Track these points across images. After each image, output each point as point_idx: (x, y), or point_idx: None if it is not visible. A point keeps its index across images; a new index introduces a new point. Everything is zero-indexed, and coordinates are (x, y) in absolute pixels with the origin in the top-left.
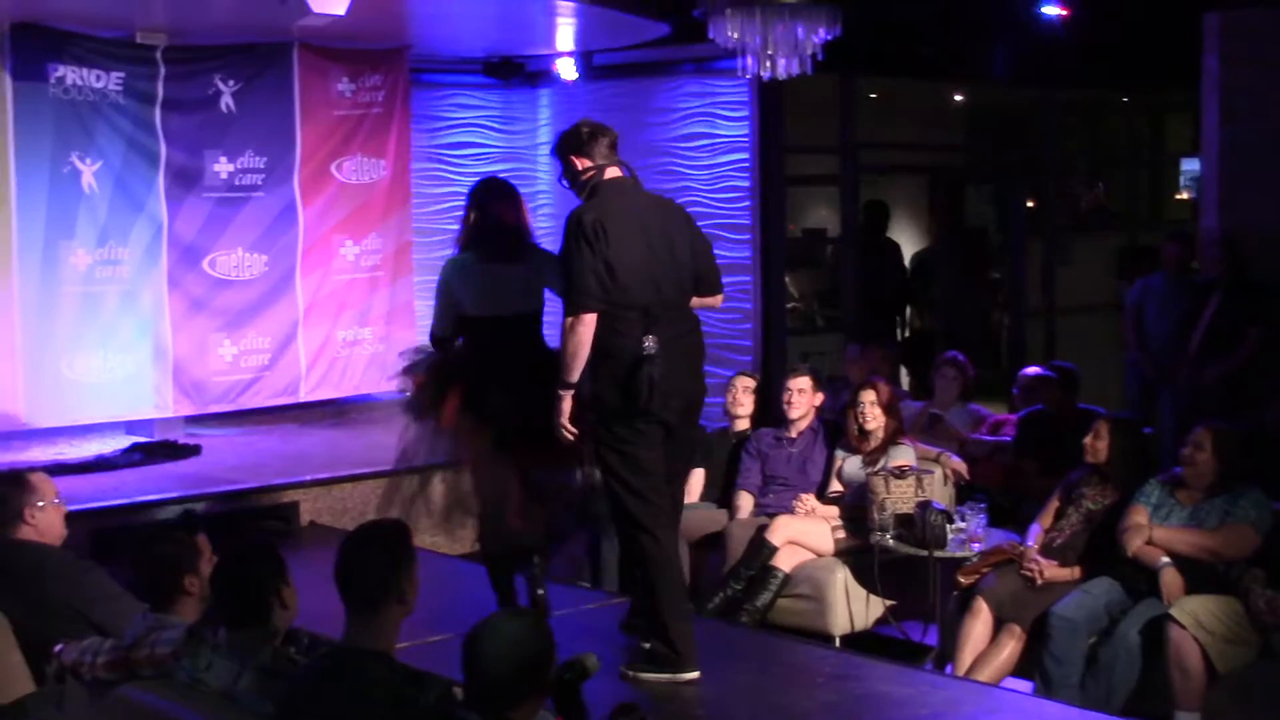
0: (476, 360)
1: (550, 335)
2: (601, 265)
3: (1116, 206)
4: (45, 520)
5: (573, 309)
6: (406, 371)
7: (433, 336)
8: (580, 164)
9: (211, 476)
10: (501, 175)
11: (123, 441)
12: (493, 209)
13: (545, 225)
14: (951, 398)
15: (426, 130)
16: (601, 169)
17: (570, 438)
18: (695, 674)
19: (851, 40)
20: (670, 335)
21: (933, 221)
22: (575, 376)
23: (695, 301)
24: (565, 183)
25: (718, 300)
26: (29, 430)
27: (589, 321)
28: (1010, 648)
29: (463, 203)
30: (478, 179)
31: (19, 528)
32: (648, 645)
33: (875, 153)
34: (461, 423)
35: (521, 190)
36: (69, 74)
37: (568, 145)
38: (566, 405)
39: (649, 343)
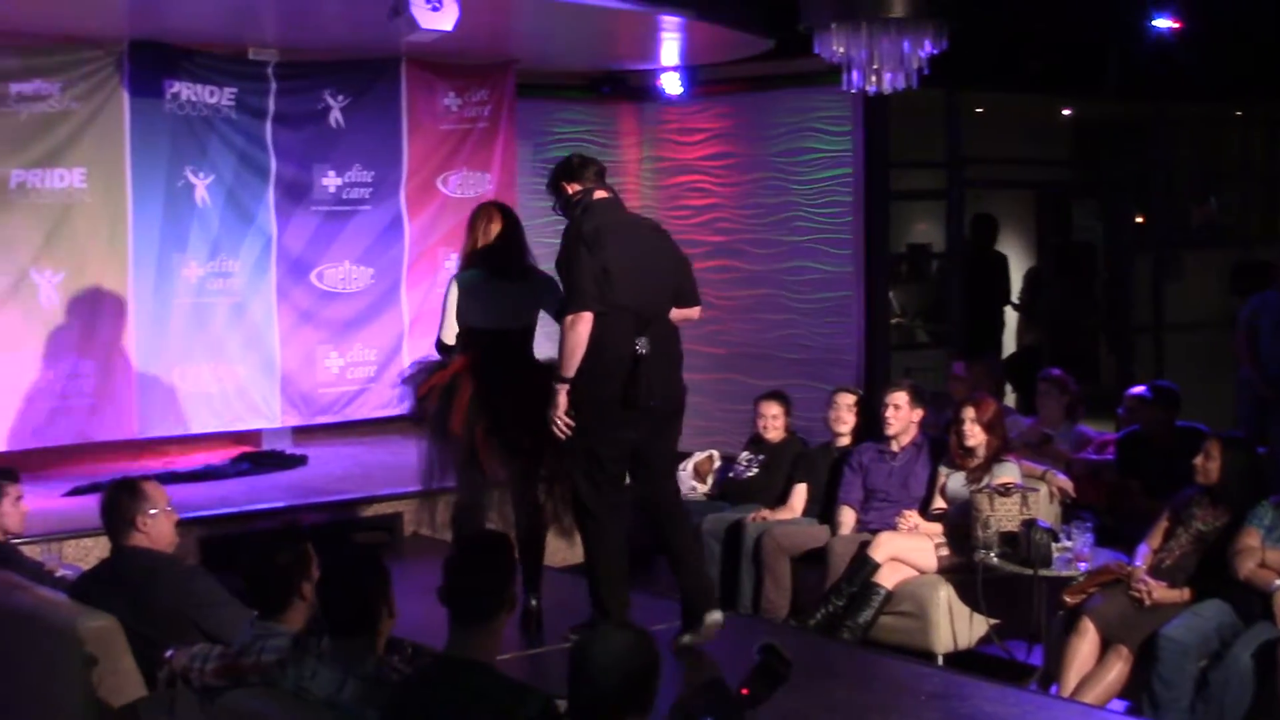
0: (479, 368)
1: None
2: (599, 269)
3: (1228, 221)
4: (157, 528)
5: (572, 308)
6: (408, 381)
7: (439, 345)
8: (570, 189)
9: (317, 487)
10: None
11: (231, 451)
12: (495, 231)
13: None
14: (1056, 416)
15: (531, 144)
16: (590, 191)
17: (565, 431)
18: None
19: (958, 54)
20: (657, 339)
21: (1040, 236)
22: (572, 372)
23: (676, 313)
24: (559, 210)
25: (696, 312)
26: (141, 439)
27: (587, 320)
28: (1117, 669)
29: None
30: (480, 203)
31: (132, 535)
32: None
33: (981, 167)
34: (468, 426)
35: (624, 202)
36: (184, 90)
37: (560, 173)
38: (563, 399)
39: (642, 343)
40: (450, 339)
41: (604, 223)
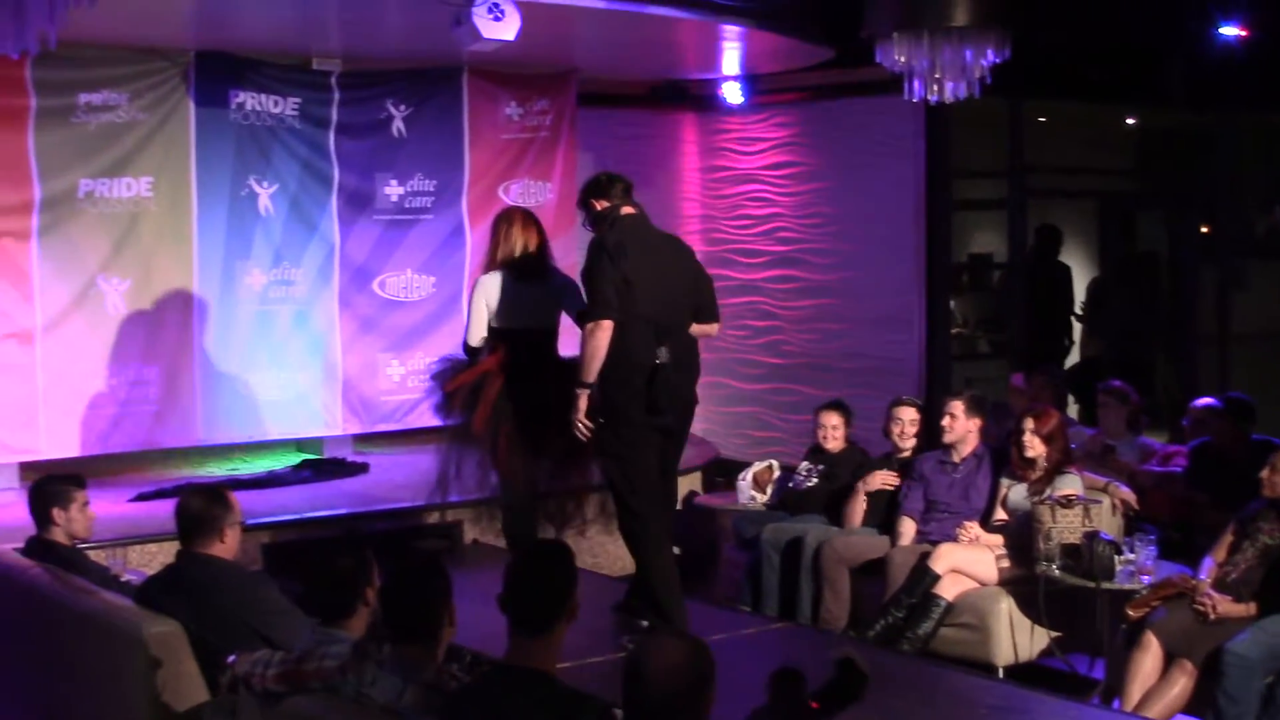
0: (506, 367)
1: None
2: (620, 279)
3: None
4: (233, 537)
5: (593, 316)
6: (436, 377)
7: (465, 345)
8: (599, 205)
9: (378, 494)
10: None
11: (294, 458)
12: (519, 236)
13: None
14: (1119, 428)
15: (592, 153)
16: (617, 206)
17: (585, 433)
18: None
19: (1021, 62)
20: (676, 350)
21: (1103, 246)
22: (593, 377)
23: (696, 328)
24: (588, 224)
25: (714, 329)
26: (205, 445)
27: (607, 328)
28: (1181, 684)
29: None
30: (502, 209)
31: (213, 544)
32: (646, 623)
33: (1044, 176)
34: (492, 421)
35: (678, 215)
36: (249, 100)
37: (589, 191)
38: (583, 403)
39: (663, 352)
40: (476, 341)
41: (628, 237)
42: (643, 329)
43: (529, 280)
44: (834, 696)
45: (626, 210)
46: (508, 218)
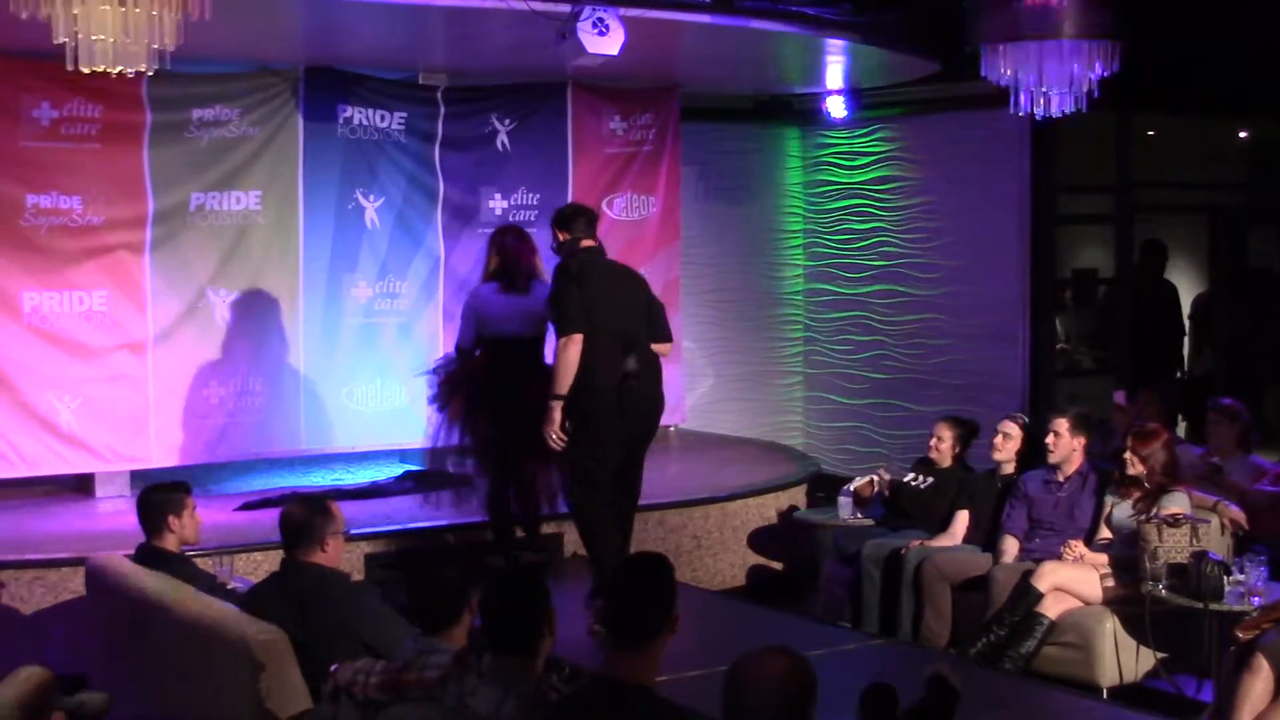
0: (491, 369)
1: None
2: (586, 299)
3: None
4: (336, 546)
5: (564, 331)
6: (434, 373)
7: (457, 348)
8: (561, 235)
9: (479, 506)
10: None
11: (396, 469)
12: (511, 250)
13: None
14: (1229, 447)
15: (695, 167)
16: (578, 240)
17: (559, 443)
18: None
19: (1129, 75)
20: (642, 359)
21: (1213, 262)
22: (564, 390)
23: (654, 347)
24: (554, 249)
25: (668, 348)
26: (309, 455)
27: (578, 342)
28: None
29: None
30: (497, 227)
31: (314, 552)
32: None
33: (1152, 191)
34: (469, 416)
35: (780, 229)
36: (356, 114)
37: (555, 221)
38: (556, 415)
39: (631, 361)
40: (467, 344)
41: (587, 263)
42: (610, 343)
43: (515, 292)
44: (926, 714)
45: (586, 243)
46: (499, 236)
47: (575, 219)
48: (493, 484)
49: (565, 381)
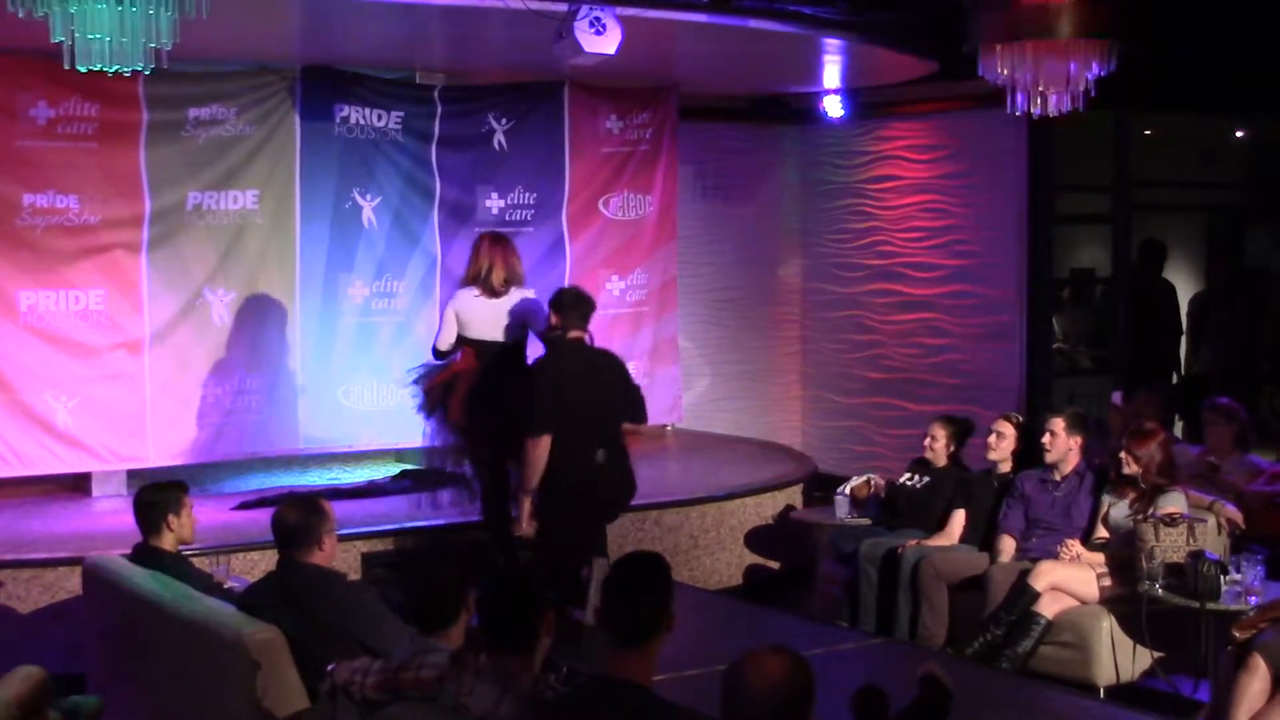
0: (475, 371)
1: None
2: (559, 402)
3: None
4: (331, 545)
5: (535, 432)
6: (419, 381)
7: (435, 350)
8: (555, 319)
9: (476, 505)
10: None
11: (393, 468)
12: (485, 257)
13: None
14: (1226, 446)
15: (692, 167)
16: (567, 329)
17: (529, 534)
18: None
19: (1126, 75)
20: (611, 452)
21: (1210, 262)
22: (534, 485)
23: (627, 426)
24: (542, 330)
25: (642, 427)
26: (306, 454)
27: (546, 441)
28: None
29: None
30: (494, 225)
31: (313, 552)
32: None
33: (1149, 190)
34: (459, 417)
35: (778, 228)
36: (353, 114)
37: (554, 303)
38: (528, 507)
39: (601, 454)
40: (444, 346)
41: (567, 361)
42: (585, 437)
43: (492, 296)
44: (918, 714)
45: (575, 334)
46: (480, 241)
47: (573, 310)
48: (485, 484)
49: (534, 478)
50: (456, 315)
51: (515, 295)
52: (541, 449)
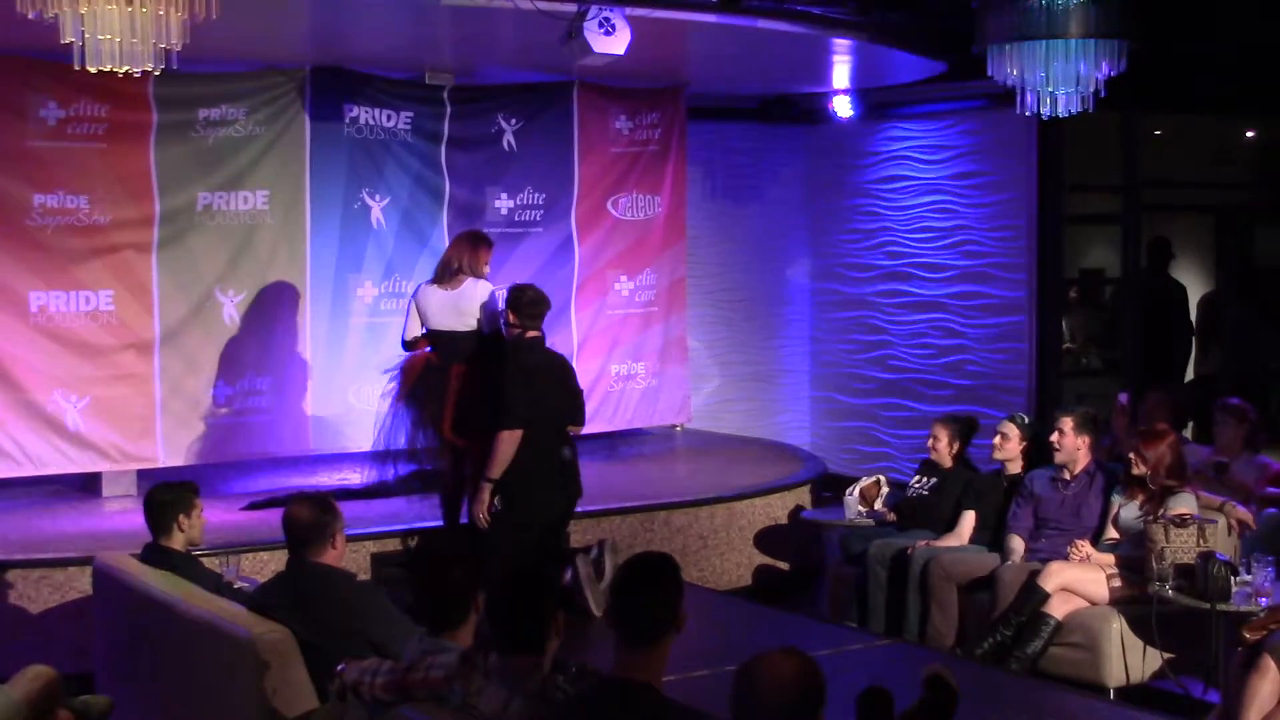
0: (432, 360)
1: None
2: (532, 391)
3: None
4: (341, 544)
5: (504, 425)
6: (395, 375)
7: (404, 342)
8: (512, 317)
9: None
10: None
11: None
12: (452, 247)
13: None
14: (1236, 446)
15: (701, 166)
16: (525, 329)
17: (485, 521)
18: None
19: (1136, 75)
20: (570, 446)
21: (1219, 262)
22: (497, 475)
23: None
24: (503, 324)
25: (579, 428)
26: (315, 455)
27: (516, 435)
28: None
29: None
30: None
31: (325, 551)
32: None
33: (1159, 191)
34: (421, 411)
35: (786, 227)
36: (362, 114)
37: (510, 301)
38: (485, 496)
39: (567, 451)
40: (409, 337)
41: (532, 358)
42: (552, 431)
43: (447, 287)
44: (924, 715)
45: (531, 334)
46: (455, 237)
47: (531, 310)
48: (448, 477)
49: (499, 469)
50: (416, 305)
51: (470, 285)
52: (512, 442)
